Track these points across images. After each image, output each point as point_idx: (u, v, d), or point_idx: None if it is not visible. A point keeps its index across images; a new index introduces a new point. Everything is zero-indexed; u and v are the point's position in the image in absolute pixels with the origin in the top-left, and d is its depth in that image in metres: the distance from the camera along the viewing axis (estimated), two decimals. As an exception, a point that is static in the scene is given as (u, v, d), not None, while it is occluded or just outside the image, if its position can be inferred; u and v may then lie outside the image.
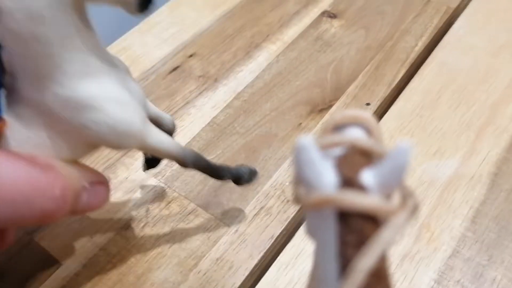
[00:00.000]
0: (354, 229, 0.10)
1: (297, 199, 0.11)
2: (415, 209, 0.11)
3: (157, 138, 0.20)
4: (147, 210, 0.27)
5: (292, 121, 0.31)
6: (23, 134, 0.17)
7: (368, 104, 0.32)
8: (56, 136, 0.18)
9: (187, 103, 0.33)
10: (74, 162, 0.19)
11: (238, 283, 0.24)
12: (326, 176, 0.11)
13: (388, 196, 0.11)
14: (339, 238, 0.10)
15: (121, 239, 0.25)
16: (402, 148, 0.10)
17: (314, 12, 0.38)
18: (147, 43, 0.37)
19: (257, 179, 0.24)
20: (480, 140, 0.29)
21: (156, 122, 0.22)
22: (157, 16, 0.39)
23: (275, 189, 0.28)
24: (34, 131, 0.17)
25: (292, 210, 0.27)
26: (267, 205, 0.27)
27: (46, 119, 0.17)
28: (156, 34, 0.38)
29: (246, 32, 0.37)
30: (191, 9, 0.40)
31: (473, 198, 0.26)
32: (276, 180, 0.28)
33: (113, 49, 0.36)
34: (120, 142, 0.18)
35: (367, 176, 0.11)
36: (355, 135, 0.12)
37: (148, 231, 0.26)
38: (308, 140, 0.11)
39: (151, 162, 0.25)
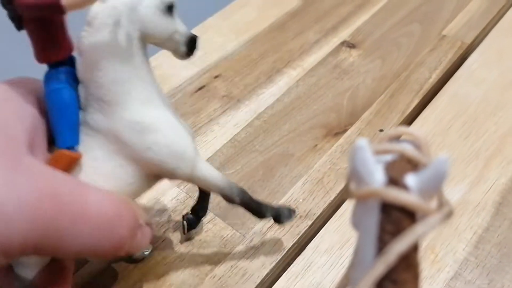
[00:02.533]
0: (394, 220, 0.12)
1: (349, 192, 0.13)
2: (449, 215, 0.12)
3: (207, 168, 0.22)
4: (169, 217, 0.29)
5: (308, 142, 0.33)
6: (90, 165, 0.19)
7: (381, 130, 0.34)
8: (120, 167, 0.20)
9: (211, 120, 0.35)
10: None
11: (250, 290, 0.26)
12: (376, 174, 0.13)
13: (427, 199, 0.13)
14: (380, 226, 0.12)
15: (144, 243, 0.27)
16: (443, 159, 0.12)
17: (333, 42, 0.41)
18: (176, 63, 0.40)
19: (294, 216, 0.25)
20: (488, 169, 0.31)
21: None
22: (187, 39, 0.42)
23: (289, 205, 0.30)
24: (100, 162, 0.20)
25: (304, 225, 0.29)
26: (280, 219, 0.29)
27: (112, 147, 0.20)
28: (185, 55, 0.41)
29: (268, 58, 0.40)
30: (218, 35, 0.42)
31: (478, 225, 0.28)
32: (290, 197, 0.30)
33: None
34: (176, 166, 0.20)
35: (411, 179, 0.13)
36: (405, 146, 0.13)
37: (169, 236, 0.28)
38: (364, 142, 0.13)
39: (192, 222, 0.26)
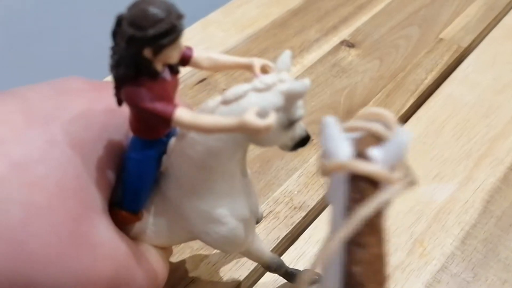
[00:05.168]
0: (359, 189, 0.13)
1: (320, 167, 0.14)
2: (411, 183, 0.13)
3: (258, 248, 0.22)
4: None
5: None
6: (148, 221, 0.20)
7: (376, 128, 0.35)
8: (172, 229, 0.20)
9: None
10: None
11: (244, 276, 0.26)
12: (344, 149, 0.14)
13: (391, 170, 0.14)
14: (348, 195, 0.13)
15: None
16: (404, 132, 0.13)
17: (333, 41, 0.41)
18: (179, 56, 0.40)
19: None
20: (477, 169, 0.31)
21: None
22: (189, 33, 0.43)
23: (284, 196, 0.31)
24: (158, 222, 0.20)
25: (298, 216, 0.29)
26: (275, 209, 0.30)
27: (175, 216, 0.20)
28: (187, 48, 0.41)
29: (269, 54, 0.40)
30: (220, 29, 0.43)
31: (465, 221, 0.29)
32: (285, 189, 0.31)
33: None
34: (226, 250, 0.21)
35: (375, 151, 0.14)
36: (372, 124, 0.14)
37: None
38: (332, 119, 0.14)
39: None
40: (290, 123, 0.17)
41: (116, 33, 0.15)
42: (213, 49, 0.41)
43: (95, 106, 0.19)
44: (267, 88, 0.16)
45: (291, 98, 0.16)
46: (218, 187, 0.19)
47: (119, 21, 0.15)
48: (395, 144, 0.13)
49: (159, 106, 0.15)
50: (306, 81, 0.16)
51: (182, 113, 0.15)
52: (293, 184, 0.31)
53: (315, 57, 0.40)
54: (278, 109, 0.16)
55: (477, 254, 0.27)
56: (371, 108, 0.15)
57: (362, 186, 0.13)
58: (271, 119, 0.15)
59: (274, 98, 0.16)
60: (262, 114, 0.16)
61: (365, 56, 0.40)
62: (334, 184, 0.14)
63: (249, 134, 0.16)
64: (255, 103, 0.16)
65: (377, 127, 0.14)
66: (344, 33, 0.42)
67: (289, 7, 0.45)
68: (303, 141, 0.18)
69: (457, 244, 0.28)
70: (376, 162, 0.13)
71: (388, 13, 0.44)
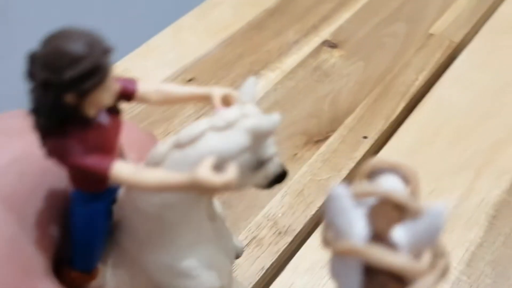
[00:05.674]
0: (378, 284, 0.10)
1: (325, 243, 0.11)
2: (445, 272, 0.11)
3: None
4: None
5: (287, 151, 0.31)
6: (106, 276, 0.17)
7: (365, 137, 0.31)
8: (135, 283, 0.17)
9: (185, 127, 0.32)
10: None
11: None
12: (357, 227, 0.11)
13: (418, 254, 0.11)
14: None
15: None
16: (438, 209, 0.10)
17: (314, 41, 0.38)
18: (147, 66, 0.37)
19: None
20: (480, 180, 0.29)
21: None
22: (159, 40, 0.39)
23: (268, 220, 0.27)
24: (117, 275, 0.17)
25: (284, 242, 0.26)
26: (258, 235, 0.27)
27: (136, 270, 0.17)
28: (156, 57, 0.38)
29: (245, 59, 0.37)
30: (192, 34, 0.40)
31: (470, 241, 0.26)
32: (268, 211, 0.28)
33: (113, 70, 0.36)
34: None
35: (399, 233, 0.11)
36: (391, 185, 0.11)
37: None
38: (342, 189, 0.11)
39: None
40: (260, 164, 0.14)
41: (32, 74, 0.12)
42: (185, 57, 0.38)
43: (34, 150, 0.15)
44: (228, 126, 0.13)
45: (258, 137, 0.13)
46: (181, 238, 0.16)
47: (33, 60, 0.12)
48: (427, 224, 0.10)
49: (91, 161, 0.13)
50: (274, 117, 0.13)
51: (120, 169, 0.13)
52: (277, 206, 0.28)
53: (295, 61, 0.37)
54: (243, 151, 0.13)
55: (485, 278, 0.24)
56: (384, 160, 0.12)
57: (381, 280, 0.10)
58: (231, 173, 0.12)
59: (237, 138, 0.13)
60: (221, 163, 0.13)
61: (349, 57, 0.37)
62: (342, 264, 0.11)
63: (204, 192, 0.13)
64: (214, 146, 0.13)
65: (399, 195, 0.11)
66: (325, 32, 0.39)
67: (265, 7, 0.41)
68: (279, 178, 0.15)
69: (462, 268, 0.25)
70: (400, 248, 0.10)
71: (372, 9, 0.41)
